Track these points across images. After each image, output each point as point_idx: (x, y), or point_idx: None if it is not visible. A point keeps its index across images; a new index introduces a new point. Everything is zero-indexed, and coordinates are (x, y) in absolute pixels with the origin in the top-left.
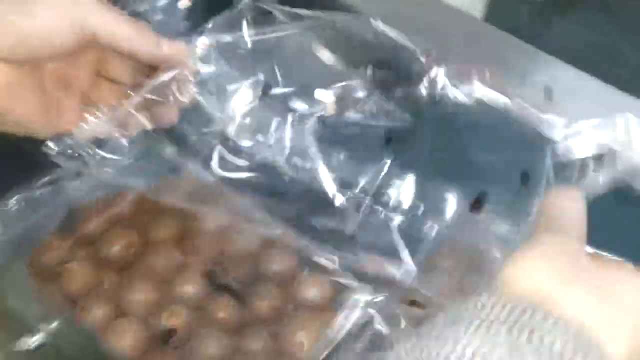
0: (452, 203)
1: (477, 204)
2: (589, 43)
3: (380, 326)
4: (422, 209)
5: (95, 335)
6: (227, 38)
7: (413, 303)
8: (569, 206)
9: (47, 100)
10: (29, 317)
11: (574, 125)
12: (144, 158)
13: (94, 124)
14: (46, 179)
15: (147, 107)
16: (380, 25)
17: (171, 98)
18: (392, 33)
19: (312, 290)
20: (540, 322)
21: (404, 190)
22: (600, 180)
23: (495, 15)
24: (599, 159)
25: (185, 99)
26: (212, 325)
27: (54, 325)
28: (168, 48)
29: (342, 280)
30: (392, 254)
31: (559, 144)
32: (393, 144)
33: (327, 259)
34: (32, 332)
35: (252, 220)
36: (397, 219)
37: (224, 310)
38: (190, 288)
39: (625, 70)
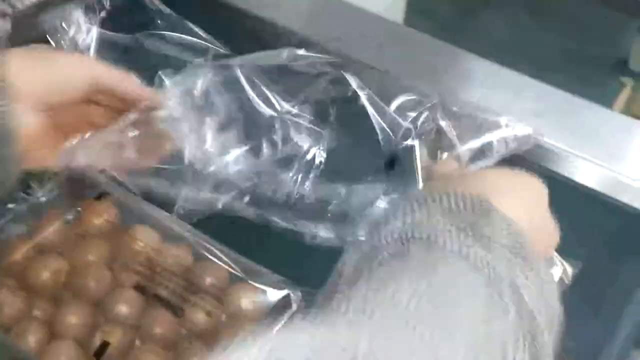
0: None
1: (390, 164)
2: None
3: None
4: None
5: None
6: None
7: None
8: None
9: (60, 139)
10: None
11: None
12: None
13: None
14: None
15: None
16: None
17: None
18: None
19: (245, 300)
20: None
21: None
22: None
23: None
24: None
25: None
26: (149, 340)
27: None
28: (147, 92)
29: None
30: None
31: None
32: None
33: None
34: None
35: (181, 237)
36: None
37: (160, 324)
38: (123, 306)
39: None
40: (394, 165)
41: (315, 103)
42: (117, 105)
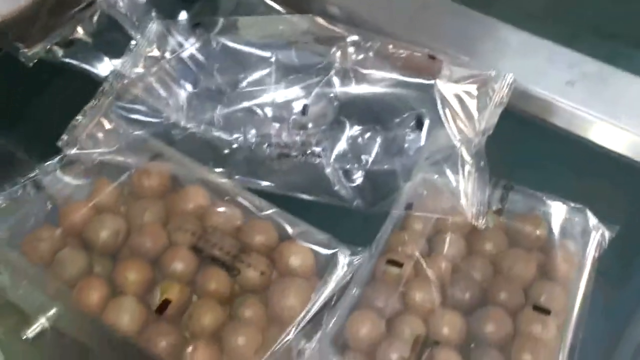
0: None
1: (418, 124)
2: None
3: (358, 287)
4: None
5: (93, 317)
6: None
7: (390, 262)
8: None
9: None
10: (28, 308)
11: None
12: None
13: None
14: (29, 176)
15: None
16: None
17: None
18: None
19: (294, 258)
20: None
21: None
22: None
23: None
24: None
25: None
26: (205, 296)
27: (53, 312)
28: None
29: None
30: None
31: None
32: None
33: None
34: (31, 322)
35: (231, 197)
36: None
37: (215, 281)
38: (179, 264)
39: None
40: (422, 124)
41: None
42: None
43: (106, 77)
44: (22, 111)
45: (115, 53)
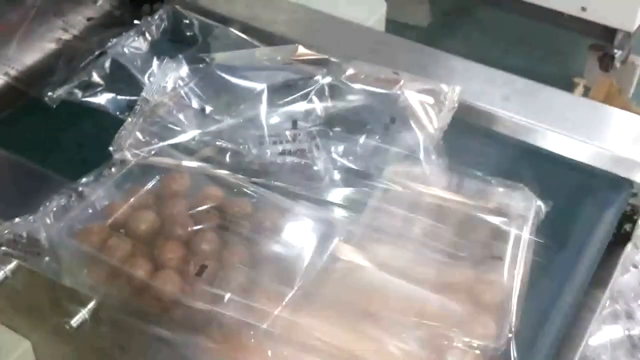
0: None
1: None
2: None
3: None
4: None
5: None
6: None
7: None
8: None
9: None
10: (79, 294)
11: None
12: None
13: None
14: (88, 178)
15: None
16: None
17: None
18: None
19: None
20: None
21: None
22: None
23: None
24: None
25: None
26: (229, 266)
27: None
28: None
29: None
30: None
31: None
32: None
33: None
34: (81, 307)
35: (241, 192)
36: None
37: (237, 255)
38: (207, 245)
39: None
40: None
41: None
42: None
43: (137, 100)
44: (51, 143)
45: (125, 92)
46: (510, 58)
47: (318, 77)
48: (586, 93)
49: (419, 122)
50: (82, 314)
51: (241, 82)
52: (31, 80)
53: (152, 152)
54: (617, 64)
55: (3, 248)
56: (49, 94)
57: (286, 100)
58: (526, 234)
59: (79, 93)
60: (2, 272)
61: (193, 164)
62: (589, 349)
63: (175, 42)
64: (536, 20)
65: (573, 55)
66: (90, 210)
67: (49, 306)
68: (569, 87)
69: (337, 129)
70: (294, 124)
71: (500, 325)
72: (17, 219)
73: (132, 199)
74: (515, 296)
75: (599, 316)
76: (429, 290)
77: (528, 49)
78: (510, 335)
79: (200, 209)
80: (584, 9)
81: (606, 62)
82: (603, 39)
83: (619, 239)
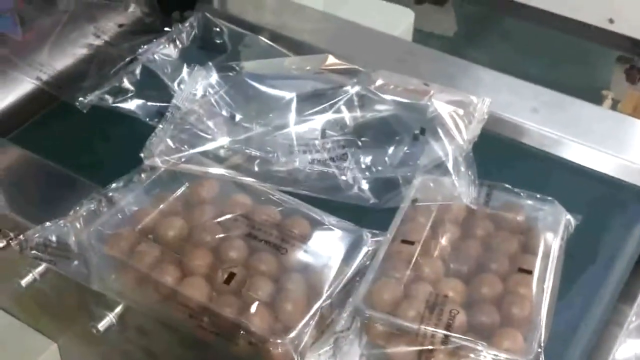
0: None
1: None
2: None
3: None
4: None
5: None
6: None
7: (404, 242)
8: None
9: None
10: (106, 299)
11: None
12: None
13: None
14: (118, 184)
15: None
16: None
17: None
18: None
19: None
20: None
21: None
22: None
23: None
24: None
25: None
26: (257, 275)
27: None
28: None
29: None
30: None
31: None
32: None
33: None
34: (109, 311)
35: (269, 199)
36: None
37: (265, 263)
38: (234, 252)
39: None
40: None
41: None
42: None
43: (166, 106)
44: (81, 148)
45: (155, 98)
46: (536, 69)
47: (347, 87)
48: (614, 106)
49: (448, 133)
50: (110, 318)
51: (271, 90)
52: (62, 85)
53: (182, 159)
54: None
55: (33, 252)
56: (80, 99)
57: (315, 109)
58: (555, 248)
59: (109, 99)
60: (32, 275)
61: (222, 171)
62: None
63: (205, 50)
64: (562, 32)
65: (600, 68)
66: (120, 216)
67: (76, 309)
68: (596, 99)
69: (366, 139)
70: (323, 133)
71: (529, 339)
72: (47, 223)
73: (161, 206)
74: (544, 310)
75: (625, 331)
76: (457, 303)
77: (554, 60)
78: (539, 350)
79: (228, 216)
80: (611, 21)
81: (633, 75)
82: (630, 52)
83: None
